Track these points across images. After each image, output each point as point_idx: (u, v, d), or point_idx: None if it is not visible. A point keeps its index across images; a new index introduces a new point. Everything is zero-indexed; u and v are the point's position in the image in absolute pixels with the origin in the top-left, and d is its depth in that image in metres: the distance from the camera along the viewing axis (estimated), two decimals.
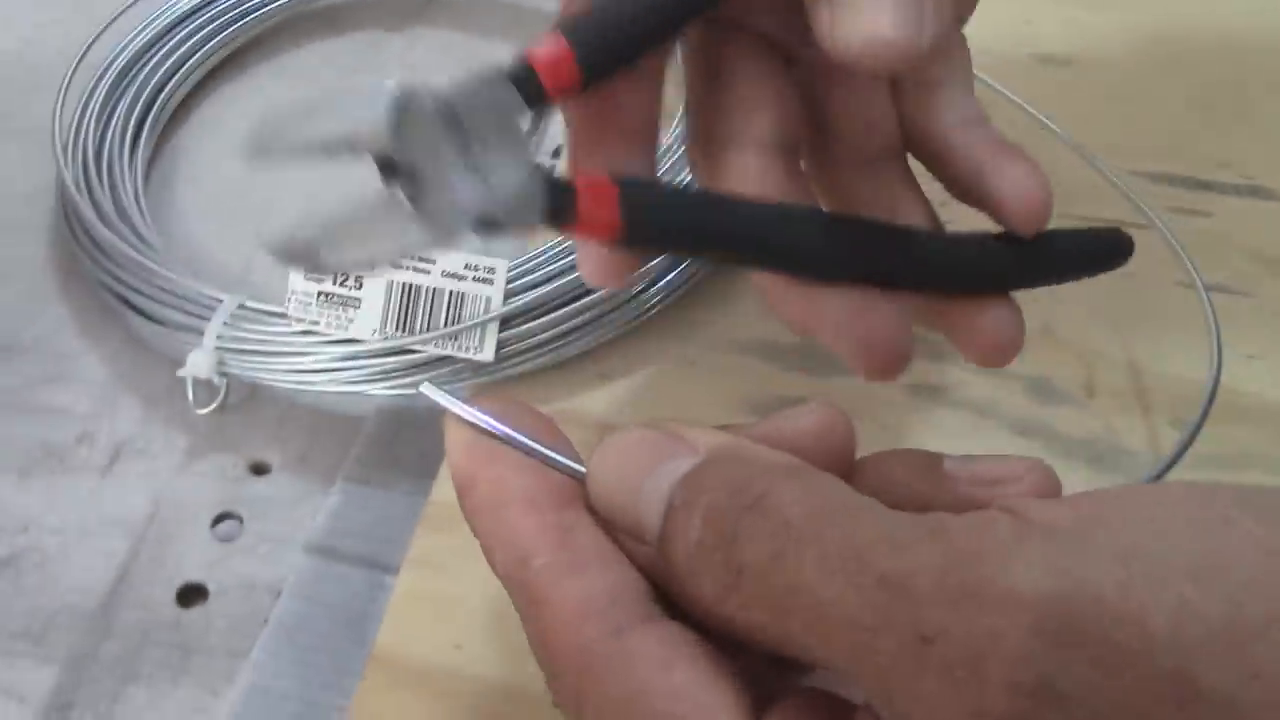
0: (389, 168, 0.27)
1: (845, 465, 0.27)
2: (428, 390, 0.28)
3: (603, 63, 0.29)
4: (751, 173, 0.31)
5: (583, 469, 0.26)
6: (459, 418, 0.27)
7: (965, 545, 0.21)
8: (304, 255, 0.27)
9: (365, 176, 0.28)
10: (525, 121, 0.28)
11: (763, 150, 0.31)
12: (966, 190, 0.32)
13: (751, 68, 0.32)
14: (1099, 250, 0.35)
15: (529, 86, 0.28)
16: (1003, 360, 0.32)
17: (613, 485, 0.25)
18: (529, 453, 0.26)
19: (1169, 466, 0.41)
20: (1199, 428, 0.42)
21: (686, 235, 0.30)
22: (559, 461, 0.26)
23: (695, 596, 0.24)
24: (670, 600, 0.25)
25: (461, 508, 0.27)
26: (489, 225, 0.27)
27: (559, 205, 0.28)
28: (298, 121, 0.27)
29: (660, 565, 0.24)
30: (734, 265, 0.31)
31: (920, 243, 0.33)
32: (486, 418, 0.27)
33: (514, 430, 0.26)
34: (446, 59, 0.62)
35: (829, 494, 0.23)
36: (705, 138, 0.32)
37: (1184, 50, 0.58)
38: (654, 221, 0.29)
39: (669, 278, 0.46)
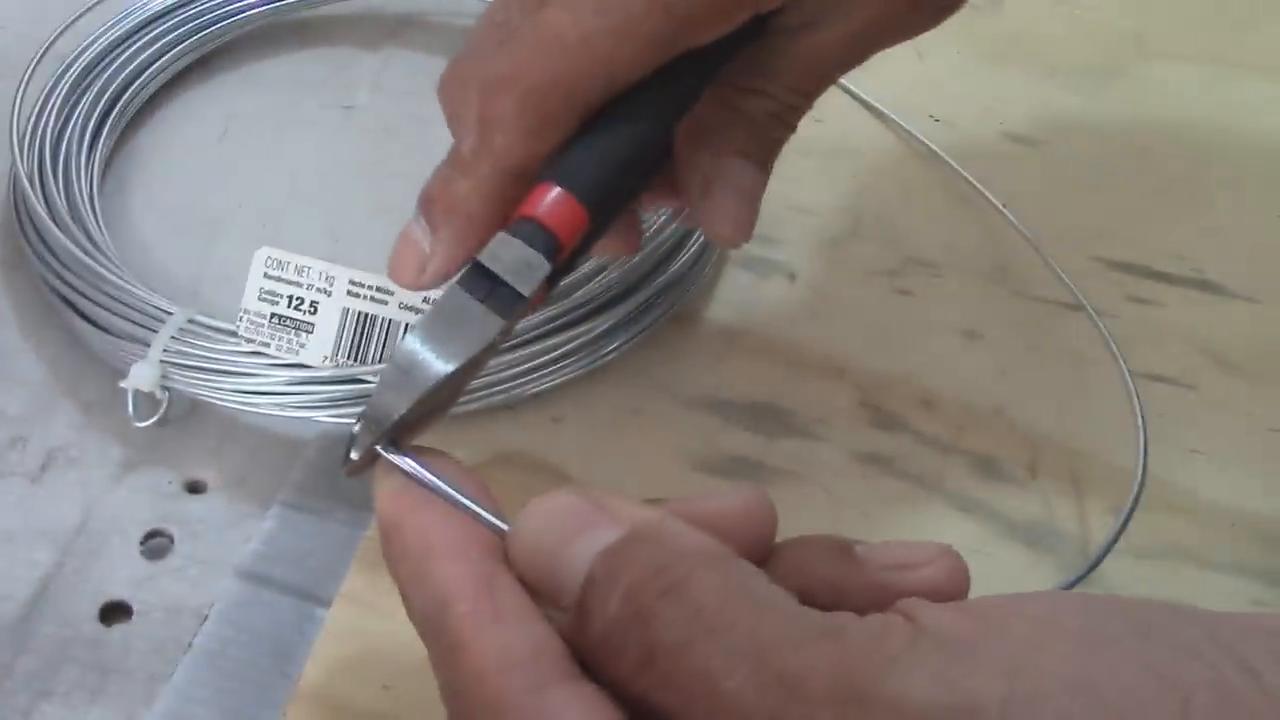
0: None
1: (765, 548, 0.28)
2: (397, 458, 0.28)
3: (601, 228, 0.32)
4: None
5: (506, 527, 0.26)
6: (390, 463, 0.27)
7: (859, 649, 0.22)
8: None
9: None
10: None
11: None
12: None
13: None
14: None
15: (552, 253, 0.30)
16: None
17: (534, 548, 0.25)
18: (456, 505, 0.27)
19: (1097, 562, 0.42)
20: (1125, 525, 0.43)
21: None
22: (484, 517, 0.26)
23: (608, 671, 0.24)
24: (583, 668, 0.25)
25: (384, 551, 0.27)
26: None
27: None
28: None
29: (575, 633, 0.25)
30: None
31: None
32: (418, 466, 0.27)
33: (443, 481, 0.27)
34: (418, 81, 0.61)
35: (743, 585, 0.24)
36: None
37: (1148, 142, 0.59)
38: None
39: (622, 327, 0.46)
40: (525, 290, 0.29)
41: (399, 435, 0.28)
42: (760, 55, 0.35)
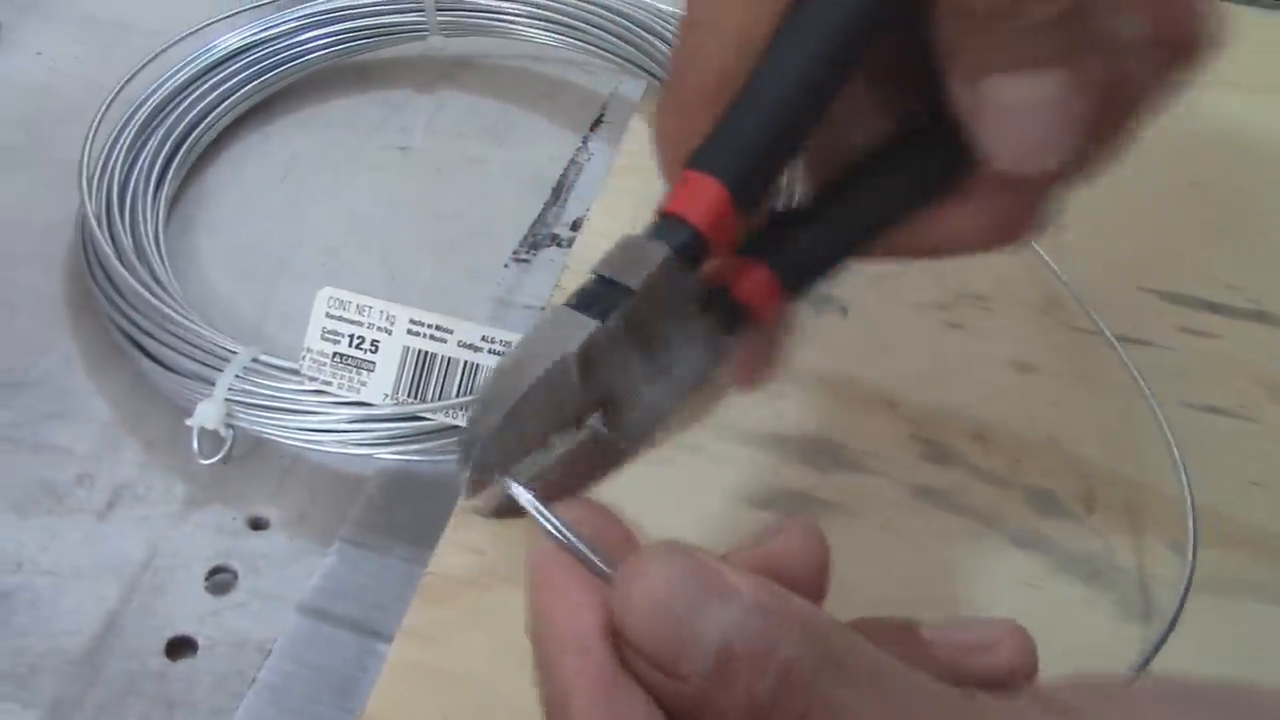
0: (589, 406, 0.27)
1: (825, 577, 0.28)
2: (512, 488, 0.26)
3: (755, 195, 0.28)
4: None
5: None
6: (538, 520, 0.26)
7: (995, 713, 0.23)
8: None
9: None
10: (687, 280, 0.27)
11: None
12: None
13: None
14: None
15: (696, 253, 0.27)
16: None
17: (656, 618, 0.25)
18: (576, 554, 0.25)
19: (1175, 618, 0.42)
20: (1193, 571, 0.42)
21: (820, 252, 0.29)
22: (600, 569, 0.25)
23: None
24: None
25: (528, 629, 0.27)
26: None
27: (734, 325, 0.28)
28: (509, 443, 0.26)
29: (702, 701, 0.24)
30: None
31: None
32: (534, 501, 0.26)
33: (564, 528, 0.25)
34: (471, 122, 0.62)
35: (888, 661, 0.24)
36: None
37: (1199, 172, 0.59)
38: (801, 265, 0.29)
39: None
40: (632, 282, 0.26)
41: (543, 484, 0.26)
42: None
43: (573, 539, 0.25)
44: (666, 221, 0.27)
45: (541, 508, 0.26)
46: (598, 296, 0.26)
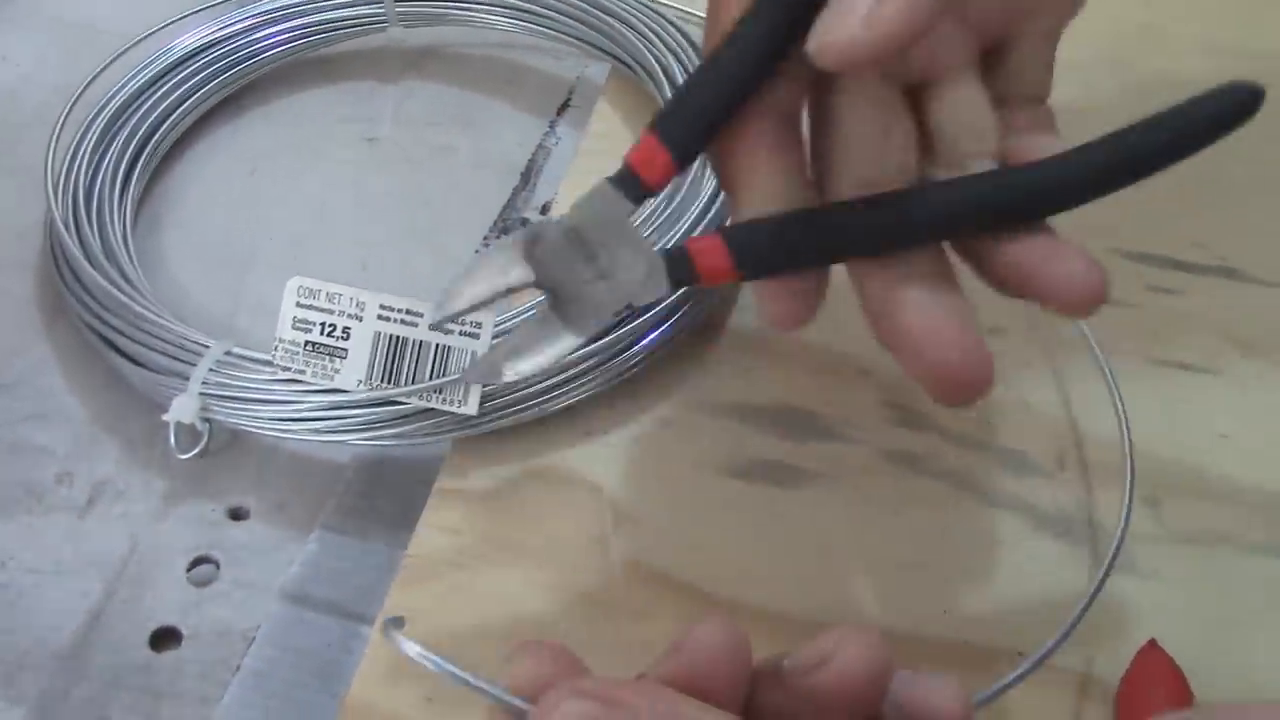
0: (540, 289, 0.33)
1: (742, 666, 0.29)
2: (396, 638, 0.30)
3: (692, 146, 0.33)
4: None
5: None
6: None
7: None
8: (489, 374, 0.34)
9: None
10: (634, 217, 0.33)
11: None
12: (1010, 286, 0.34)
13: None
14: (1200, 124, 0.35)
15: (634, 187, 0.33)
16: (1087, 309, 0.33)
17: None
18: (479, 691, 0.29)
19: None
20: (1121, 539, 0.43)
21: (792, 256, 0.33)
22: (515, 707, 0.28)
23: None
24: None
25: None
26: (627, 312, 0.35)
27: (680, 274, 0.33)
28: (463, 287, 0.33)
29: None
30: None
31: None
32: (438, 659, 0.29)
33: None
34: (439, 112, 0.62)
35: None
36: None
37: None
38: (761, 255, 0.33)
39: (649, 339, 0.47)
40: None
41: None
42: None
43: (470, 679, 0.29)
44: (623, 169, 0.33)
45: (440, 659, 0.29)
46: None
